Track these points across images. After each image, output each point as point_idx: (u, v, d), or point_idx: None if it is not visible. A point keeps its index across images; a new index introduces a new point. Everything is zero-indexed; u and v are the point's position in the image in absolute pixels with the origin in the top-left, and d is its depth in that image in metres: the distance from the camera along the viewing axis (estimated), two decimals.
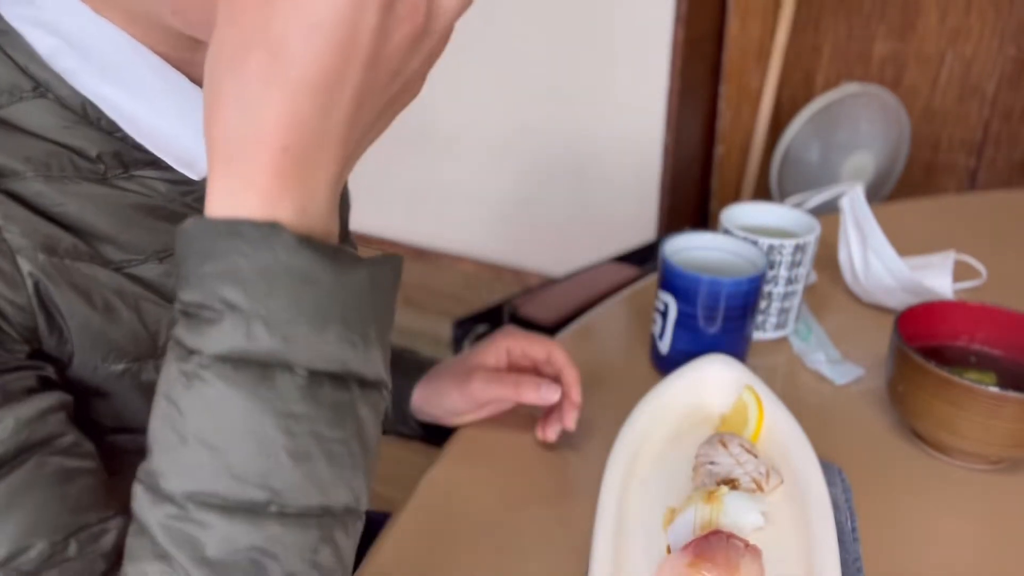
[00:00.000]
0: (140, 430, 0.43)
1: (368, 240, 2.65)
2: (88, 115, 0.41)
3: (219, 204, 0.29)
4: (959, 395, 0.57)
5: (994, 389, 0.55)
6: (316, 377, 0.30)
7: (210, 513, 0.30)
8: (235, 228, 0.29)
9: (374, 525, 0.64)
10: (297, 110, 0.28)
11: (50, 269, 0.37)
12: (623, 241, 2.12)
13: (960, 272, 0.87)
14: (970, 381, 0.56)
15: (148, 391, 0.42)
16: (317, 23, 0.28)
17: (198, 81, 0.43)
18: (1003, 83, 1.89)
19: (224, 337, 0.29)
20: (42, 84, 0.40)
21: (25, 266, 0.36)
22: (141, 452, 0.44)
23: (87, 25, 0.40)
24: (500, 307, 1.82)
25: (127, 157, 0.42)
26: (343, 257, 0.30)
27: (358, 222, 2.69)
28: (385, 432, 0.74)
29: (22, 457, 0.35)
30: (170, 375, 0.31)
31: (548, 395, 0.59)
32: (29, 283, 0.37)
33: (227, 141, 0.29)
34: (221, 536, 0.30)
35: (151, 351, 0.43)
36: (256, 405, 0.29)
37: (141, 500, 0.31)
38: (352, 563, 0.34)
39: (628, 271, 1.88)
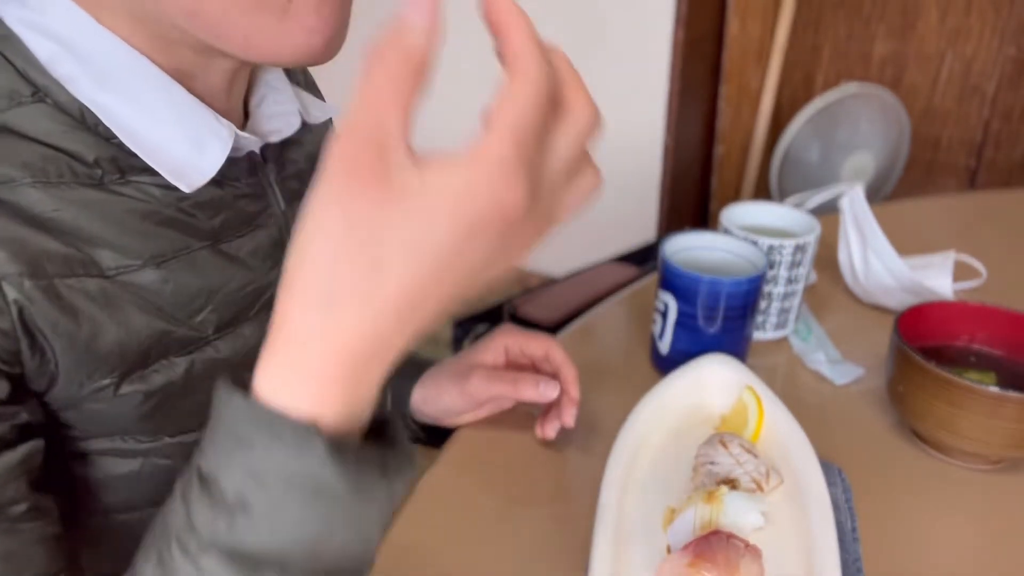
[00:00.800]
0: (111, 434, 0.44)
1: None
2: (86, 121, 0.40)
3: (270, 384, 0.29)
4: (959, 395, 0.57)
5: (994, 389, 0.55)
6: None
7: None
8: (274, 426, 0.28)
9: None
10: (377, 324, 0.28)
11: (36, 294, 0.37)
12: (623, 241, 2.12)
13: (960, 272, 0.87)
14: (970, 381, 0.56)
15: (127, 399, 0.42)
16: (425, 247, 0.27)
17: (194, 93, 0.44)
18: (1003, 83, 1.89)
19: (228, 530, 0.29)
20: (41, 89, 0.40)
21: (10, 293, 0.37)
22: (116, 452, 0.44)
23: (86, 32, 0.40)
24: (500, 307, 1.81)
25: (123, 163, 0.42)
26: (367, 475, 0.30)
27: None
28: None
29: None
30: (169, 532, 0.31)
31: (547, 392, 0.59)
32: (13, 310, 0.37)
33: (299, 327, 0.29)
34: None
35: (139, 363, 0.43)
36: None
37: None
38: None
39: (628, 271, 1.88)
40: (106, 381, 0.41)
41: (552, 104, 0.29)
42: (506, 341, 0.65)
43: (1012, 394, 0.55)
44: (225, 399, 0.30)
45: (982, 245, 0.93)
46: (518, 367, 0.65)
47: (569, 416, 0.61)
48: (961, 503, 0.58)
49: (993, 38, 1.86)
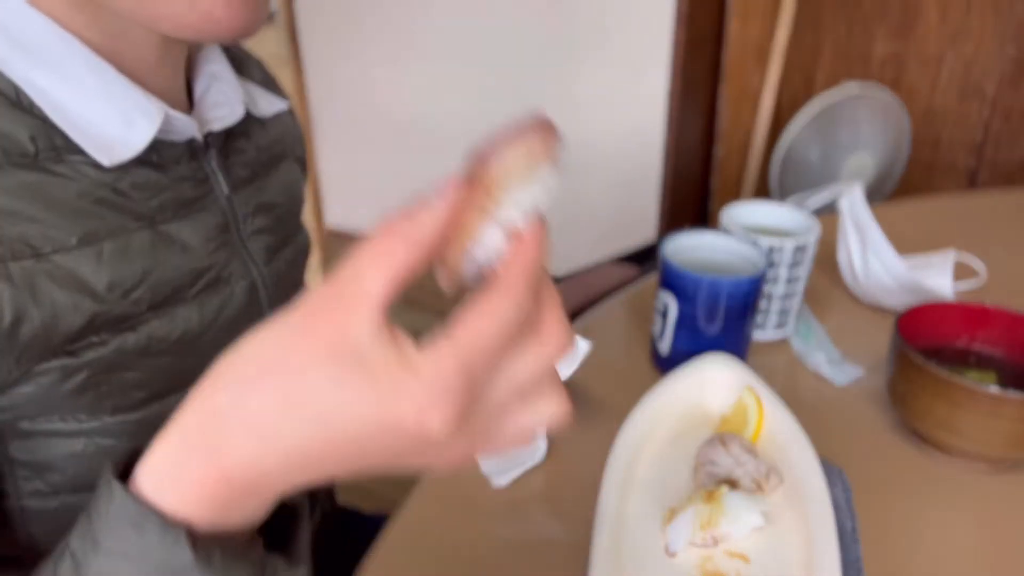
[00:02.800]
0: (48, 414, 0.44)
1: None
2: (21, 101, 0.41)
3: (150, 474, 0.30)
4: (959, 395, 0.57)
5: (994, 389, 0.55)
6: None
7: None
8: (143, 525, 0.29)
9: (373, 526, 0.64)
10: (266, 464, 0.28)
11: None
12: (623, 241, 2.12)
13: (960, 272, 0.87)
14: (970, 381, 0.56)
15: (54, 374, 0.42)
16: (338, 421, 0.27)
17: (123, 70, 0.44)
18: (1003, 83, 1.89)
19: None
20: None
21: None
22: (58, 433, 0.45)
23: (17, 13, 0.41)
24: None
25: (59, 142, 0.42)
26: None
27: (358, 222, 2.66)
28: None
29: None
30: None
31: None
32: None
33: (192, 432, 0.29)
34: None
35: (67, 341, 0.42)
36: None
37: None
38: None
39: (628, 271, 1.88)
40: (34, 363, 0.41)
41: (520, 326, 0.28)
42: None
43: (1012, 394, 0.55)
44: (104, 488, 0.30)
45: (982, 245, 0.93)
46: None
47: None
48: (961, 503, 0.58)
49: (993, 38, 1.86)
